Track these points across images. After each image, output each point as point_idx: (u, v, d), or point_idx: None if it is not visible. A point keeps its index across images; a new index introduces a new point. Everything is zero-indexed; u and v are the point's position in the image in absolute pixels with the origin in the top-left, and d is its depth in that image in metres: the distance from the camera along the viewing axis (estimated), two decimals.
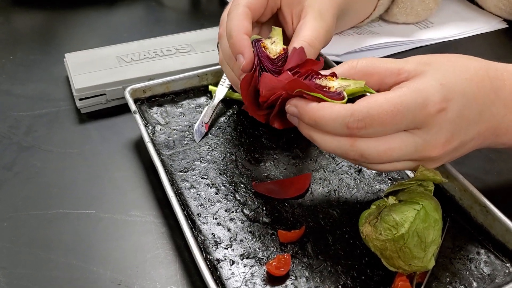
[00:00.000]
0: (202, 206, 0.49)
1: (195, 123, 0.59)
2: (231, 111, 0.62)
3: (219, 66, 0.64)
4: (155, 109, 0.61)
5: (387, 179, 0.54)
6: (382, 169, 0.43)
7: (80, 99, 0.64)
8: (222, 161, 0.55)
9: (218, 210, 0.49)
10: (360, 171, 0.53)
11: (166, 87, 0.63)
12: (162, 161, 0.54)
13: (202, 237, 0.46)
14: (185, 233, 0.44)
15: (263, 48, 0.47)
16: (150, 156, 0.52)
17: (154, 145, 0.55)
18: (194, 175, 0.53)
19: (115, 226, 0.50)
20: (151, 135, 0.57)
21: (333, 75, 0.42)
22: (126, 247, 0.48)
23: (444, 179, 0.45)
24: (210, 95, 0.64)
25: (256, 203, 0.50)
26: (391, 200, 0.45)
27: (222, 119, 0.61)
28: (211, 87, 0.64)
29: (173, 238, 0.49)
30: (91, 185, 0.55)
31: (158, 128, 0.59)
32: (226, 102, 0.63)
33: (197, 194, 0.51)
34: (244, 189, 0.52)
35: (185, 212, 0.48)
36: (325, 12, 0.52)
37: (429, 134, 0.40)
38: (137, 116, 0.57)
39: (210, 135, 0.58)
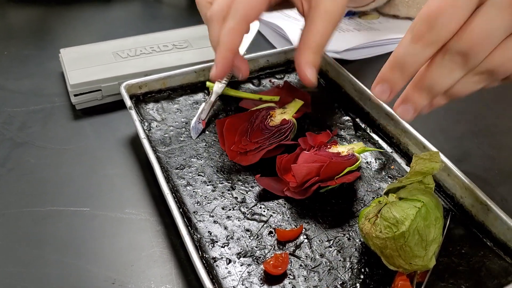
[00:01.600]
0: (198, 204, 0.49)
1: (192, 119, 0.58)
2: (228, 108, 0.61)
3: None
4: (151, 105, 0.60)
5: (387, 177, 0.53)
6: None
7: (75, 95, 0.62)
8: (219, 158, 0.54)
9: (215, 208, 0.48)
10: (359, 169, 0.52)
11: (163, 83, 0.62)
12: (158, 158, 0.53)
13: (198, 235, 0.46)
14: (181, 231, 0.43)
15: (267, 118, 0.56)
16: (146, 153, 0.51)
17: (150, 141, 0.54)
18: (190, 172, 0.52)
19: (110, 224, 0.49)
20: (147, 131, 0.56)
21: (335, 142, 0.53)
22: (120, 245, 0.47)
23: (441, 163, 0.44)
24: (208, 92, 0.63)
25: (253, 201, 0.49)
26: (391, 197, 0.44)
27: (219, 116, 0.60)
28: (208, 83, 0.63)
29: (168, 236, 0.48)
30: (86, 182, 0.54)
31: (154, 124, 0.58)
32: (224, 98, 0.62)
33: (194, 191, 0.50)
34: (241, 187, 0.51)
35: (181, 210, 0.47)
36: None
37: None
38: (133, 112, 0.56)
39: (207, 132, 0.58)
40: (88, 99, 0.63)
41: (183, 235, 0.43)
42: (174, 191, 0.49)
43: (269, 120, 0.55)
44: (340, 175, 0.48)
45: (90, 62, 0.65)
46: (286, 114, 0.56)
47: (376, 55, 0.77)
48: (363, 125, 0.60)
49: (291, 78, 0.68)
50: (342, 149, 0.52)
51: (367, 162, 0.55)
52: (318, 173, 0.48)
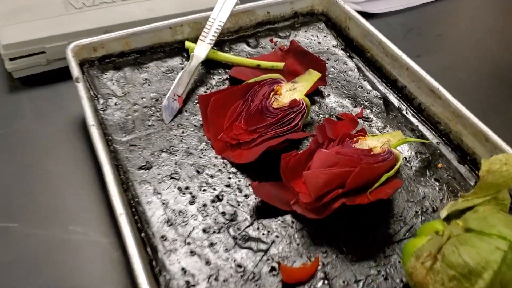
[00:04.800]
0: (169, 224, 0.34)
1: (165, 95, 0.43)
2: (215, 78, 0.46)
3: (200, 14, 0.47)
4: (109, 74, 0.44)
5: (432, 179, 0.38)
6: None
7: (10, 59, 0.47)
8: (201, 153, 0.39)
9: (193, 229, 0.34)
10: (397, 172, 0.37)
11: (126, 44, 0.46)
12: (114, 153, 0.38)
13: (167, 276, 0.31)
14: (136, 271, 0.29)
15: (270, 96, 0.40)
16: (94, 146, 0.36)
17: (104, 127, 0.39)
18: (160, 174, 0.37)
19: (47, 248, 0.35)
20: (101, 112, 0.41)
21: (363, 132, 0.38)
22: (62, 281, 0.33)
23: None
24: (187, 55, 0.47)
25: (248, 217, 0.35)
26: (456, 227, 0.29)
27: (202, 89, 0.45)
28: (188, 44, 0.47)
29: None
30: (16, 183, 0.39)
31: (112, 102, 0.42)
32: (209, 64, 0.46)
33: (163, 203, 0.35)
34: (231, 196, 0.36)
35: (142, 234, 0.33)
36: None
37: None
38: (80, 86, 0.40)
39: (185, 113, 0.42)
40: (28, 65, 0.48)
41: (140, 281, 0.28)
42: (134, 204, 0.35)
43: (273, 100, 0.40)
44: (375, 186, 0.33)
45: (31, 14, 0.50)
46: (296, 92, 0.40)
47: (407, 7, 0.61)
48: (397, 104, 0.45)
49: (300, 37, 0.51)
50: (374, 142, 0.36)
51: (404, 157, 0.40)
52: (342, 183, 0.33)
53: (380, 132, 0.42)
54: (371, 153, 0.35)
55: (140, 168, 0.37)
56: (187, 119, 0.42)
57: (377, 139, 0.37)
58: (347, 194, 0.33)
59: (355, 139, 0.37)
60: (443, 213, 0.31)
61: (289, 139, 0.38)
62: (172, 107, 0.42)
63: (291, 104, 0.39)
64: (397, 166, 0.35)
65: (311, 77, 0.41)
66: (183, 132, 0.40)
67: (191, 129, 0.41)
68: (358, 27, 0.49)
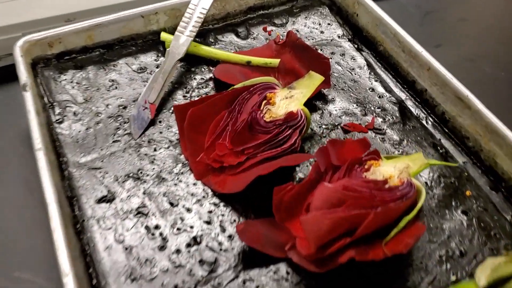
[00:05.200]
0: (132, 278, 0.27)
1: (134, 101, 0.35)
2: (197, 79, 0.38)
3: (177, 0, 0.39)
4: (69, 75, 0.37)
5: (459, 212, 0.31)
6: None
7: None
8: (176, 178, 0.32)
9: (162, 286, 0.27)
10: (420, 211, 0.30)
11: (89, 37, 0.38)
12: (69, 180, 0.31)
13: None
14: None
15: (262, 106, 0.33)
16: (39, 174, 0.29)
17: (59, 145, 0.32)
18: (123, 209, 0.30)
19: None
20: (56, 125, 0.33)
21: (376, 156, 0.30)
22: None
23: None
24: (164, 49, 0.39)
25: (231, 268, 0.28)
26: None
27: (180, 93, 0.37)
28: (164, 36, 0.39)
29: None
30: None
31: (70, 111, 0.35)
32: (190, 61, 0.39)
33: (126, 249, 0.28)
34: (213, 236, 0.29)
35: None
36: None
37: None
38: (28, 96, 0.33)
39: (158, 125, 0.35)
40: None
41: None
42: (89, 252, 0.28)
43: (265, 111, 0.32)
44: (392, 235, 0.26)
45: None
46: (293, 101, 0.33)
47: None
48: (415, 111, 0.37)
49: (299, 24, 0.43)
50: (390, 169, 0.29)
51: (424, 183, 0.33)
52: (350, 228, 0.26)
53: (395, 148, 0.34)
54: (387, 185, 0.28)
55: (100, 201, 0.30)
56: (160, 133, 0.34)
57: (393, 165, 0.30)
58: (356, 242, 0.26)
59: (365, 165, 0.29)
60: (481, 280, 0.24)
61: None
62: (143, 117, 0.35)
63: (287, 117, 0.32)
64: (419, 205, 0.28)
65: (312, 81, 0.34)
66: (155, 150, 0.33)
67: (166, 145, 0.33)
68: (368, 14, 0.41)
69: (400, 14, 0.44)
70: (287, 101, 0.33)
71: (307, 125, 0.33)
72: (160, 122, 0.35)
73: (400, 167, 0.29)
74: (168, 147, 0.33)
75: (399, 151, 0.34)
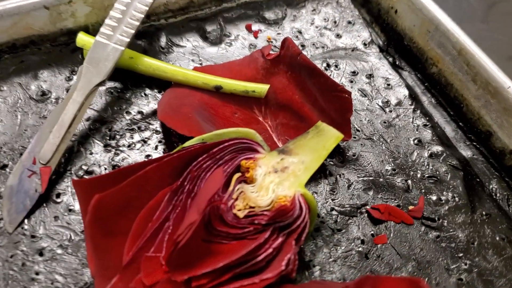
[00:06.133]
0: None
1: (20, 154, 0.21)
2: (131, 113, 0.23)
3: None
4: None
5: None
6: None
7: None
8: None
9: None
10: None
11: None
12: None
13: None
14: None
15: (234, 191, 0.19)
16: None
17: None
18: None
19: None
20: None
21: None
22: None
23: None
24: (82, 58, 0.24)
25: None
26: None
27: (98, 139, 0.22)
28: (82, 39, 0.24)
29: None
30: None
31: None
32: (124, 80, 0.24)
33: None
34: None
35: None
36: None
37: None
38: None
39: (53, 205, 0.20)
40: None
41: None
42: None
43: (236, 195, 0.18)
44: None
45: None
46: (288, 178, 0.19)
47: None
48: (492, 187, 0.23)
49: (302, 22, 0.28)
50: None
51: None
52: None
53: (460, 259, 0.20)
54: None
55: None
56: (55, 219, 0.20)
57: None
58: None
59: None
60: None
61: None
62: (27, 190, 0.20)
63: (277, 212, 0.17)
64: None
65: (322, 140, 0.19)
66: (41, 255, 0.19)
67: (62, 246, 0.19)
68: (415, 12, 0.26)
69: (457, 8, 0.29)
70: (276, 177, 0.19)
71: (311, 223, 0.18)
72: (57, 197, 0.20)
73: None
74: (66, 249, 0.19)
75: (465, 265, 0.20)
